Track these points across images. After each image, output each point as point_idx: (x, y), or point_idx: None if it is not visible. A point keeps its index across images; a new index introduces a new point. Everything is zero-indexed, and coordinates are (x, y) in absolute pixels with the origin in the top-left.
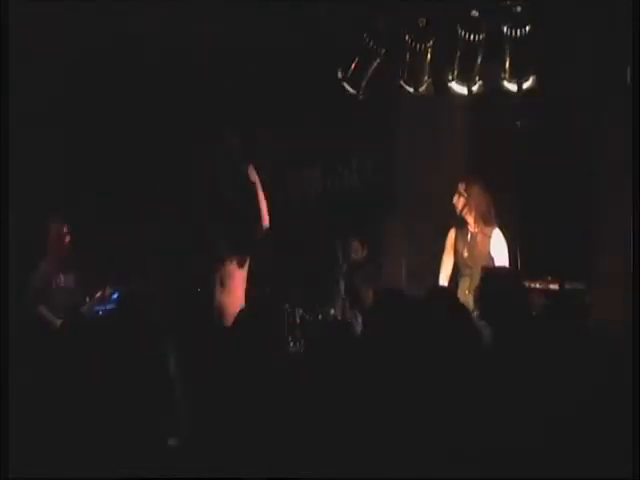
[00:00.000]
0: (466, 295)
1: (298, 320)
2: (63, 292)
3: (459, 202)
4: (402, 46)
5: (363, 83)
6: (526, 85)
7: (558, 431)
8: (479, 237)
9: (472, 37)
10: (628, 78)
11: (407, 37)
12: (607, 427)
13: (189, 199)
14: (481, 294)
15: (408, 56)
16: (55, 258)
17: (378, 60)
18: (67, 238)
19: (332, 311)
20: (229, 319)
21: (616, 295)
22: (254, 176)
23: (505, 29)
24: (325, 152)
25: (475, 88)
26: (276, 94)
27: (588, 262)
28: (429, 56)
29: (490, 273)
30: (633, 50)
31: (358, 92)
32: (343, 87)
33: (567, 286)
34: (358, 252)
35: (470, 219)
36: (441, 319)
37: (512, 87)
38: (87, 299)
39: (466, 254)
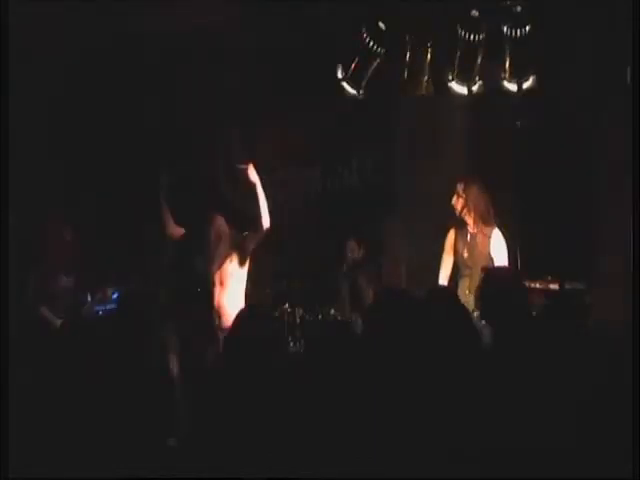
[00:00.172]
0: (466, 295)
1: (298, 320)
2: (63, 292)
3: (458, 202)
4: (402, 46)
5: (363, 83)
6: (526, 85)
7: (558, 431)
8: (479, 237)
9: (472, 37)
10: (628, 78)
11: (407, 37)
12: (607, 427)
13: (189, 199)
14: (481, 294)
15: (408, 56)
16: (55, 258)
17: (378, 60)
18: (67, 238)
19: (332, 311)
20: (229, 319)
21: (616, 295)
22: (254, 176)
23: (505, 29)
24: (325, 152)
25: (475, 88)
26: (276, 94)
27: (588, 262)
28: (429, 56)
29: (490, 273)
30: (633, 50)
31: (358, 92)
32: (343, 87)
33: (567, 286)
34: (355, 252)
35: (469, 219)
36: (441, 319)
37: (512, 87)
38: (87, 299)
39: (466, 254)
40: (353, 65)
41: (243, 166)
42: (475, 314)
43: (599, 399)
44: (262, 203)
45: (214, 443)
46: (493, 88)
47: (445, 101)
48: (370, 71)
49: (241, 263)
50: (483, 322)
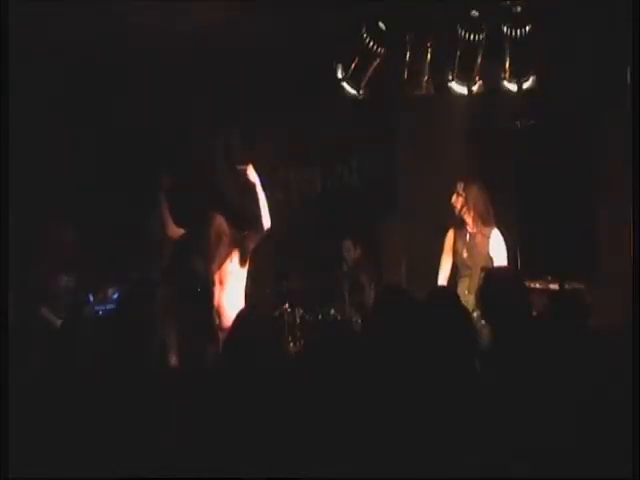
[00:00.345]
0: (466, 295)
1: (298, 320)
2: (63, 292)
3: (457, 202)
4: (402, 46)
5: (363, 83)
6: (526, 85)
7: (558, 431)
8: (478, 237)
9: (472, 37)
10: (628, 78)
11: (407, 37)
12: (607, 427)
13: (189, 199)
14: (481, 294)
15: (408, 56)
16: (55, 258)
17: (378, 60)
18: (67, 238)
19: (332, 311)
20: (229, 319)
21: (616, 295)
22: (254, 176)
23: (505, 29)
24: (325, 152)
25: (475, 88)
26: (276, 94)
27: (588, 262)
28: (429, 56)
29: (490, 273)
30: (633, 50)
31: (358, 92)
32: (343, 87)
33: (567, 286)
34: (350, 252)
35: (469, 219)
36: (441, 319)
37: (512, 87)
38: (87, 299)
39: (465, 254)
40: (353, 65)
41: (243, 166)
42: (475, 314)
43: (599, 399)
44: (262, 203)
45: (214, 443)
46: (493, 88)
47: (445, 101)
48: (370, 71)
49: (241, 263)
50: (483, 322)
